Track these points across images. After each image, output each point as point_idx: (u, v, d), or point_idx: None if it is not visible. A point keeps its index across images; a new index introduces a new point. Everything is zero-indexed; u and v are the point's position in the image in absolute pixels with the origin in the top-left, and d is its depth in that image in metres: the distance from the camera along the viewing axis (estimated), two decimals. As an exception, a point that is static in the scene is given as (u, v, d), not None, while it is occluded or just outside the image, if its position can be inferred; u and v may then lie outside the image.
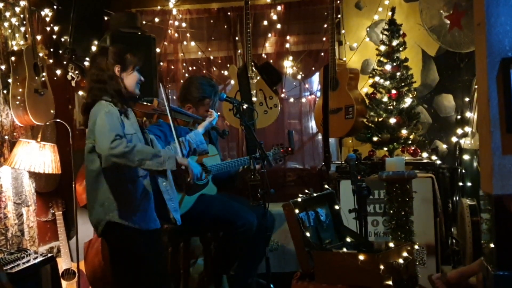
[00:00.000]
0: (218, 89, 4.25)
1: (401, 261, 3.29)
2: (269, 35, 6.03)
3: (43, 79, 4.74)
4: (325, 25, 5.68)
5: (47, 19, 5.21)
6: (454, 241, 5.05)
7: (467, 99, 5.61)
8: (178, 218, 3.42)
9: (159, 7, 6.05)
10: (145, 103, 3.58)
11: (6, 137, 4.56)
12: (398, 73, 5.12)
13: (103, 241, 4.33)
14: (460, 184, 5.28)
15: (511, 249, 3.07)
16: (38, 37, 4.95)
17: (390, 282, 3.14)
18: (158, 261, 3.36)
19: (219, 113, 3.93)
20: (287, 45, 6.01)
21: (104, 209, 3.21)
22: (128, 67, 3.39)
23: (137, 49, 4.72)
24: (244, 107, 3.80)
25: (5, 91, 4.55)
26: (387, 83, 5.14)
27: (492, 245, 3.38)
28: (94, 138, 3.17)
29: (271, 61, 5.93)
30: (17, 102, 4.50)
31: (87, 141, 3.27)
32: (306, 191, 3.79)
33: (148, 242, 3.29)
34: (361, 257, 3.19)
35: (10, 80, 4.55)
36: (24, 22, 4.80)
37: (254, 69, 5.57)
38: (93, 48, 5.41)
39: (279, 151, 4.45)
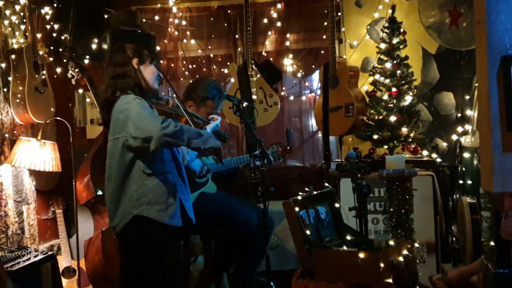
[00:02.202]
0: (224, 95, 4.23)
1: (401, 259, 3.29)
2: (269, 33, 6.03)
3: (43, 77, 4.74)
4: (325, 23, 5.67)
5: (47, 17, 5.21)
6: (454, 239, 5.06)
7: (467, 97, 5.60)
8: (192, 218, 3.42)
9: (159, 5, 6.04)
10: (161, 102, 3.57)
11: (6, 135, 4.57)
12: (399, 71, 5.12)
13: (104, 239, 4.33)
14: (460, 182, 5.28)
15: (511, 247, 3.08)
16: (38, 35, 4.95)
17: (390, 280, 3.14)
18: (177, 259, 3.35)
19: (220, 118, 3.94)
20: (287, 43, 6.01)
21: (132, 203, 3.17)
22: (146, 60, 3.38)
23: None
24: (244, 105, 3.80)
25: (5, 89, 4.55)
26: (387, 81, 5.14)
27: (492, 243, 3.39)
28: (128, 130, 3.12)
29: (271, 59, 5.92)
30: (17, 100, 4.50)
31: (116, 135, 3.20)
32: (306, 189, 3.79)
33: (170, 239, 3.27)
34: (361, 255, 3.19)
35: (10, 78, 4.56)
36: (24, 20, 4.80)
37: (254, 67, 5.57)
38: (93, 46, 5.42)
39: (277, 149, 4.45)
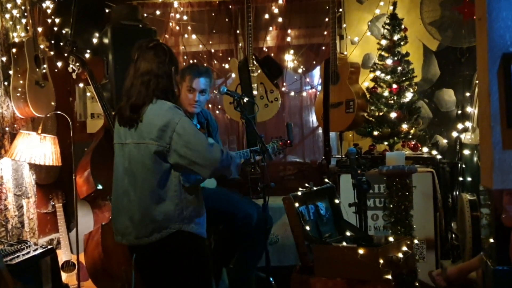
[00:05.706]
0: (201, 69, 4.11)
1: (400, 255, 3.30)
2: (270, 28, 6.02)
3: (44, 71, 4.75)
4: (327, 19, 5.66)
5: (48, 11, 5.21)
6: (453, 235, 5.06)
7: (467, 94, 5.60)
8: None
9: (160, 0, 6.04)
10: None
11: (7, 128, 4.57)
12: (399, 68, 5.12)
13: (104, 233, 4.33)
14: (460, 178, 5.28)
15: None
16: (39, 29, 4.95)
17: (389, 276, 3.15)
18: (208, 267, 3.18)
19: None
20: (288, 39, 6.01)
21: (173, 218, 2.95)
22: (178, 70, 3.14)
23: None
24: (245, 100, 3.79)
25: (6, 83, 4.55)
26: (388, 77, 5.14)
27: (491, 240, 3.39)
28: (171, 143, 2.90)
29: (272, 54, 5.93)
30: (18, 94, 4.50)
31: (148, 141, 2.93)
32: (306, 184, 3.79)
33: (206, 249, 3.18)
34: (361, 251, 3.19)
35: (11, 72, 4.56)
36: (25, 14, 4.80)
37: (255, 63, 5.57)
38: (94, 41, 5.42)
39: (277, 143, 4.45)
